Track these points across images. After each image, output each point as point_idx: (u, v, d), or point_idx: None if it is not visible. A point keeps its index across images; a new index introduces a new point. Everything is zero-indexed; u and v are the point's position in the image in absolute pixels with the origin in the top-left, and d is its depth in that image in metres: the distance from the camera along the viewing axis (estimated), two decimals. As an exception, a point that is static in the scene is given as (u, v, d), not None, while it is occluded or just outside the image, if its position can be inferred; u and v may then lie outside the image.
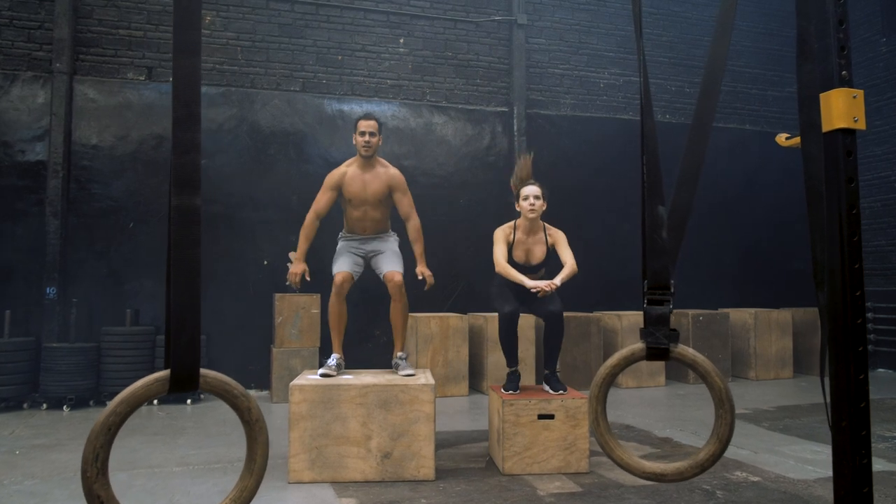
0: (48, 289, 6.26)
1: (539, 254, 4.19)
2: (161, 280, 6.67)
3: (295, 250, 7.07)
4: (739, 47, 9.01)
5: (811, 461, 4.01)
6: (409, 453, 3.66)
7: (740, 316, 7.83)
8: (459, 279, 7.65)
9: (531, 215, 4.10)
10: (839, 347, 1.35)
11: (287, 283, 4.26)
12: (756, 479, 3.63)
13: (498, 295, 4.15)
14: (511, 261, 4.13)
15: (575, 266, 4.04)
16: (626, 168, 8.31)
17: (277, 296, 6.51)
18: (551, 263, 4.23)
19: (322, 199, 4.25)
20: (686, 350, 1.22)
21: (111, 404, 1.11)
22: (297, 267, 4.22)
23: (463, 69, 7.89)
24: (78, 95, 6.59)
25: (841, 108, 1.28)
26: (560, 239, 4.19)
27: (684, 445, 4.42)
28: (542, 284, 3.88)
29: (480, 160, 7.87)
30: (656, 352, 1.18)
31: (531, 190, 4.12)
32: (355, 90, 7.48)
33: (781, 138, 3.04)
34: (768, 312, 7.76)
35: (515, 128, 7.85)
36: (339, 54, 7.46)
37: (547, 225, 4.23)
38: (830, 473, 3.72)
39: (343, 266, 4.17)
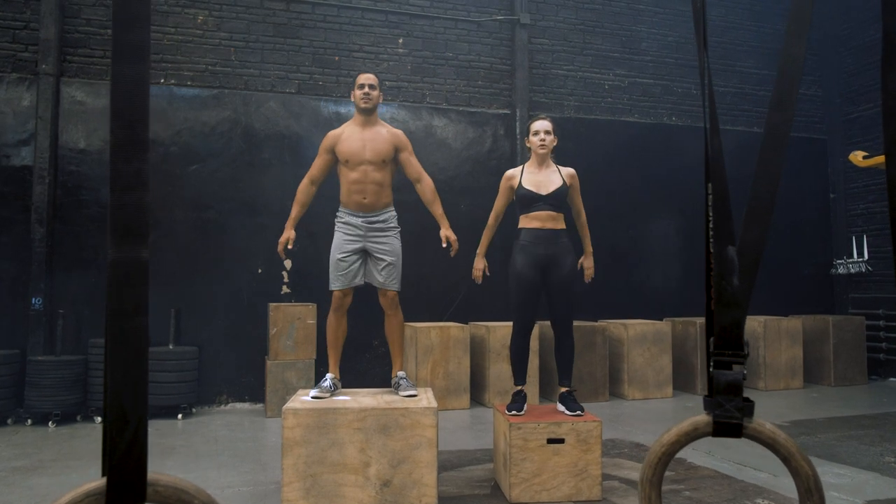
0: (34, 299, 6.02)
1: (553, 184, 3.93)
2: (152, 290, 6.40)
3: (289, 257, 6.85)
4: (747, 48, 8.80)
5: (835, 486, 3.79)
6: (409, 481, 3.43)
7: (749, 324, 7.60)
8: (460, 287, 7.42)
9: (541, 151, 3.91)
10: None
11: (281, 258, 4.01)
12: (780, 508, 3.41)
13: (517, 286, 3.88)
14: (521, 189, 3.91)
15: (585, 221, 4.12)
16: (631, 172, 8.09)
17: (272, 305, 6.28)
18: (565, 207, 4.00)
19: (316, 164, 3.99)
20: (763, 426, 0.99)
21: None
22: (285, 234, 3.95)
23: (464, 70, 7.66)
24: (65, 98, 6.34)
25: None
26: (577, 184, 4.02)
27: (699, 468, 4.19)
28: (588, 272, 4.07)
29: (482, 164, 7.64)
30: (726, 427, 0.96)
31: (542, 124, 3.93)
32: (353, 92, 7.24)
33: (857, 157, 2.80)
34: (778, 320, 7.55)
35: (518, 131, 7.62)
36: (336, 55, 7.22)
37: (559, 166, 4.04)
38: (858, 501, 3.52)
39: (339, 282, 3.85)
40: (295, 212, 4.01)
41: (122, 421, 0.77)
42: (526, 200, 3.91)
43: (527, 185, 3.91)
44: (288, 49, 7.06)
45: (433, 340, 6.33)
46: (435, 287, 7.24)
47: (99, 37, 6.52)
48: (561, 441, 3.59)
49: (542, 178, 3.93)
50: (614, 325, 7.15)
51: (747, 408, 0.96)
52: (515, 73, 7.71)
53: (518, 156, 7.54)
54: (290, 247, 3.91)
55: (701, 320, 7.34)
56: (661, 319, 7.56)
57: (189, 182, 6.64)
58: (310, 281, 6.69)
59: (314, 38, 7.15)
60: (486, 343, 6.47)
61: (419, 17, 7.52)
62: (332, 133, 4.00)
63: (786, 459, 0.97)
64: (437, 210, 3.98)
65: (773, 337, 7.45)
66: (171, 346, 6.14)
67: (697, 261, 7.97)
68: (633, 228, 8.11)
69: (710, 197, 0.99)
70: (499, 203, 4.09)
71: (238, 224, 6.75)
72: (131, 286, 0.80)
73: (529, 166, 4.00)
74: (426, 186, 3.99)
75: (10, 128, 6.21)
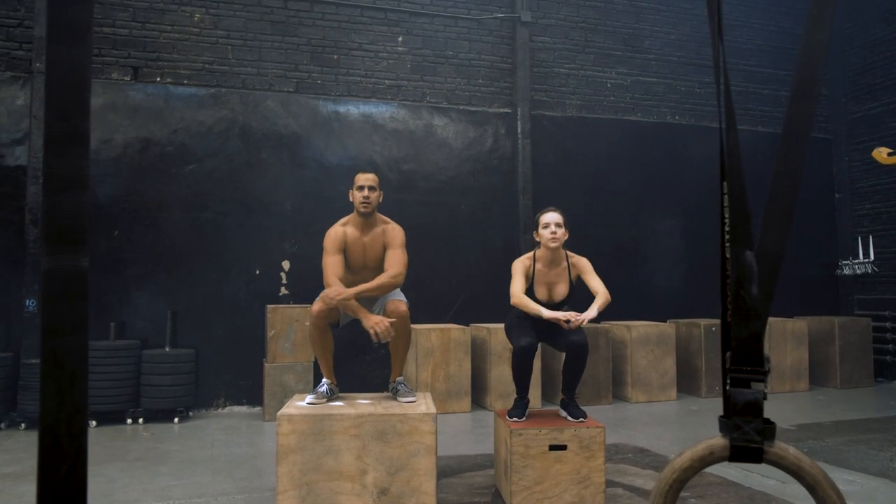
0: (28, 301, 5.93)
1: (563, 289, 3.83)
2: (149, 291, 6.34)
3: (287, 258, 6.76)
4: (751, 46, 8.69)
5: (846, 493, 3.66)
6: (408, 489, 3.34)
7: (754, 326, 7.49)
8: (461, 289, 7.33)
9: (552, 245, 3.71)
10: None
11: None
12: (789, 517, 3.31)
13: (515, 326, 3.77)
14: (531, 296, 3.76)
15: (608, 294, 3.64)
16: (634, 171, 8.00)
17: (270, 307, 6.20)
18: (576, 297, 3.88)
19: (334, 265, 3.68)
20: (786, 451, 0.89)
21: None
22: (344, 295, 3.53)
23: (464, 69, 7.56)
24: (60, 97, 6.25)
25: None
26: (585, 267, 3.81)
27: (705, 474, 4.09)
28: (571, 316, 3.51)
29: (483, 164, 7.55)
30: (744, 452, 0.86)
31: (552, 217, 3.75)
32: (352, 91, 7.15)
33: (882, 154, 2.69)
34: (783, 322, 7.44)
35: (519, 130, 7.52)
36: (334, 53, 7.13)
37: (569, 253, 3.85)
38: (870, 510, 3.42)
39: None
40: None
41: (57, 454, 0.68)
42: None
43: (538, 291, 3.78)
44: (286, 47, 6.97)
45: (434, 342, 6.24)
46: (436, 288, 7.15)
47: (94, 35, 6.43)
48: (563, 448, 3.49)
49: (552, 277, 3.80)
50: (617, 327, 7.05)
51: (768, 430, 0.87)
52: (516, 72, 7.61)
53: (519, 155, 7.44)
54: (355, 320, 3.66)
55: (705, 321, 7.23)
56: (665, 321, 7.46)
57: (186, 182, 6.55)
58: (308, 282, 6.59)
59: (313, 36, 7.06)
60: (488, 345, 6.38)
61: (419, 15, 7.43)
62: (336, 232, 3.75)
63: (811, 488, 0.88)
64: (367, 285, 3.62)
65: (778, 339, 7.35)
66: (167, 349, 6.04)
67: (701, 261, 7.89)
68: (637, 229, 8.00)
69: (726, 197, 0.89)
70: (518, 284, 3.75)
71: (235, 224, 6.67)
72: (68, 300, 0.70)
73: (540, 262, 3.81)
74: (388, 276, 3.66)
75: (3, 127, 6.13)
